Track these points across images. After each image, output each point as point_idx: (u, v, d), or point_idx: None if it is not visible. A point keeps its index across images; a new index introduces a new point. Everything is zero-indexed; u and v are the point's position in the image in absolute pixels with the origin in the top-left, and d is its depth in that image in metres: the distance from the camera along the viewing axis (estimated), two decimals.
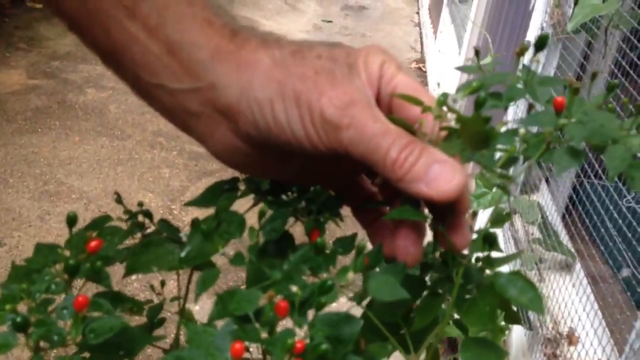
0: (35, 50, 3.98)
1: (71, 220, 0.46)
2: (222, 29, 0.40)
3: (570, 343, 1.37)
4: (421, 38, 5.36)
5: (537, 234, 1.63)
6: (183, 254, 0.44)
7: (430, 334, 0.43)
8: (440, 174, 0.37)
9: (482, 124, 0.37)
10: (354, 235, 0.45)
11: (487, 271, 0.43)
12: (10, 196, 2.70)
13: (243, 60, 0.39)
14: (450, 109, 0.39)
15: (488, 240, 0.53)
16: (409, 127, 0.39)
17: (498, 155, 0.40)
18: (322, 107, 0.37)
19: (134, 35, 0.39)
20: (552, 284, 1.50)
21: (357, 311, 0.41)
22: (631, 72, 1.34)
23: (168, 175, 2.93)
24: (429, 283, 0.45)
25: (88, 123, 3.31)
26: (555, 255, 1.57)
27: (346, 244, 0.44)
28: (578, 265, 1.54)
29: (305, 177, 0.46)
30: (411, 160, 0.37)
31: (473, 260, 0.43)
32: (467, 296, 0.41)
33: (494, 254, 0.45)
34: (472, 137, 0.38)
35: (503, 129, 0.40)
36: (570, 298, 1.42)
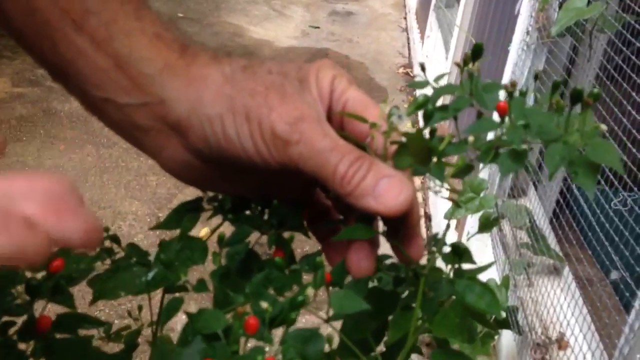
0: (20, 58, 3.95)
1: None
2: (172, 44, 0.39)
3: (560, 348, 1.36)
4: (408, 43, 5.38)
5: (526, 239, 1.63)
6: (149, 277, 0.43)
7: (403, 349, 0.43)
8: (388, 189, 0.37)
9: (424, 139, 0.38)
10: (319, 253, 0.45)
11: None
12: None
13: (193, 75, 0.39)
14: (391, 128, 0.39)
15: (457, 252, 0.54)
16: (359, 143, 0.39)
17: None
18: (272, 122, 0.37)
19: (81, 49, 0.38)
20: (541, 288, 1.50)
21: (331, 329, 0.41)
22: (616, 75, 1.34)
23: (155, 183, 2.91)
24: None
25: (73, 131, 3.29)
26: (544, 259, 1.57)
27: (312, 261, 0.44)
28: (567, 270, 1.53)
29: (259, 191, 0.46)
30: (359, 175, 0.37)
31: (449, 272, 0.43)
32: (440, 308, 0.41)
33: (470, 265, 0.45)
34: (416, 152, 0.38)
35: (454, 140, 0.40)
36: (559, 303, 1.41)
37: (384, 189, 0.37)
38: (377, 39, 5.48)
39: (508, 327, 1.53)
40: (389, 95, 4.25)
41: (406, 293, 0.45)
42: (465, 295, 0.40)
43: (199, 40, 4.76)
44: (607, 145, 0.37)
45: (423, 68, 0.58)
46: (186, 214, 0.47)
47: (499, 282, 1.57)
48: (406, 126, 0.39)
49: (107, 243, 0.55)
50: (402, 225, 0.41)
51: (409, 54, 5.13)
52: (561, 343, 1.36)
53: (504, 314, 1.55)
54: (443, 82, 0.47)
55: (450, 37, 3.43)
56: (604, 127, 0.38)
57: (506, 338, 1.61)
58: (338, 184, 0.37)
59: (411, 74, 4.64)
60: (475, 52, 0.43)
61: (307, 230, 0.47)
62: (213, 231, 0.50)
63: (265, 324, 0.38)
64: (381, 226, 0.42)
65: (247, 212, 0.47)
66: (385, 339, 0.46)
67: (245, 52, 4.69)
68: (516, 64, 1.76)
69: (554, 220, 1.65)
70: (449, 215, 1.73)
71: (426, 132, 0.40)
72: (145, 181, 2.95)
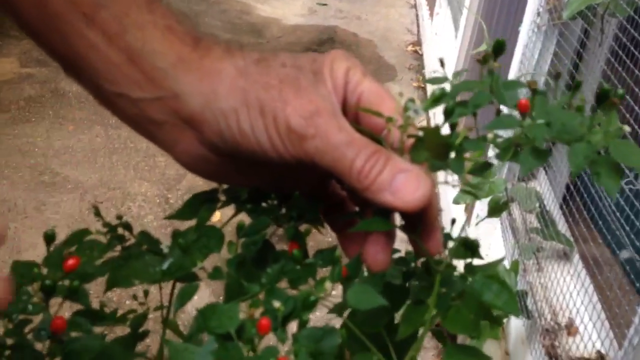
0: (28, 38, 3.93)
1: (49, 237, 0.45)
2: (185, 37, 0.39)
3: (569, 334, 1.36)
4: (417, 20, 5.32)
5: (535, 223, 1.62)
6: (165, 267, 0.43)
7: (414, 343, 0.43)
8: (405, 184, 0.37)
9: (441, 135, 0.38)
10: (335, 248, 0.45)
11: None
12: (5, 187, 2.68)
13: (206, 69, 0.38)
14: (407, 123, 0.39)
15: (469, 247, 0.54)
16: (375, 136, 0.39)
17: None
18: (287, 116, 0.37)
19: (93, 43, 0.38)
20: (550, 274, 1.50)
21: (339, 322, 0.41)
22: (627, 60, 1.32)
23: (164, 164, 2.92)
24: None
25: (82, 112, 3.29)
26: (554, 244, 1.57)
27: (326, 256, 0.43)
28: (577, 255, 1.53)
29: (274, 184, 0.46)
30: (376, 169, 0.37)
31: (459, 267, 0.43)
32: (453, 303, 0.41)
33: (479, 261, 0.45)
34: (433, 147, 0.38)
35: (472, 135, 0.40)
36: (568, 289, 1.41)
37: (401, 183, 0.37)
38: (385, 16, 5.42)
39: (517, 312, 1.53)
40: (398, 73, 4.22)
41: (416, 286, 0.45)
42: (482, 293, 0.40)
43: (206, 19, 4.73)
44: (631, 145, 0.37)
45: (442, 64, 0.57)
46: (202, 204, 0.47)
47: (508, 267, 1.57)
48: (422, 121, 0.39)
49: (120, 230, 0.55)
50: (420, 219, 0.41)
51: (418, 31, 5.08)
52: (570, 329, 1.36)
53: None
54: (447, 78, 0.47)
55: (459, 15, 3.38)
56: (627, 128, 0.38)
57: (515, 322, 1.61)
58: (355, 179, 0.37)
59: (420, 52, 4.60)
60: (497, 49, 0.43)
61: (323, 224, 0.47)
62: (228, 220, 0.50)
63: (278, 323, 0.38)
64: (398, 219, 0.42)
65: (264, 204, 0.47)
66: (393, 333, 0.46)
67: (253, 30, 4.67)
68: (526, 45, 1.74)
69: (564, 204, 1.64)
70: (457, 200, 1.74)
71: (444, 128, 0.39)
72: (154, 162, 2.95)
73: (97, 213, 0.59)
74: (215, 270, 0.43)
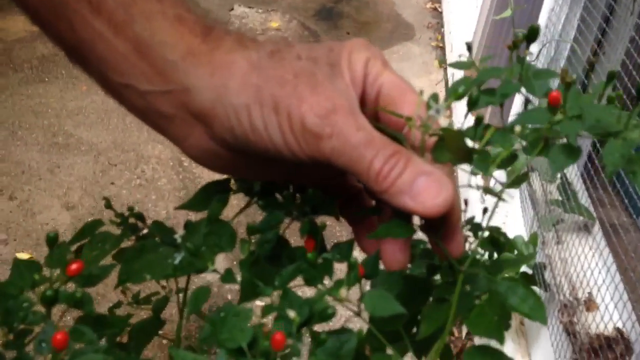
0: None
1: (51, 240, 0.43)
2: (194, 27, 0.37)
3: (588, 309, 1.34)
4: None
5: (556, 194, 1.58)
6: (177, 261, 0.42)
7: (437, 341, 0.41)
8: (426, 188, 0.35)
9: (462, 140, 0.36)
10: (352, 241, 0.44)
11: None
12: (19, 149, 2.67)
13: (217, 62, 0.37)
14: (426, 126, 0.37)
15: (494, 243, 0.51)
16: (395, 135, 0.37)
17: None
18: (302, 115, 0.35)
19: (99, 32, 0.36)
20: (570, 249, 1.46)
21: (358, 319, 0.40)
22: None
23: None
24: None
25: None
26: (575, 216, 1.53)
27: (344, 250, 0.42)
28: (598, 228, 1.49)
29: (288, 179, 0.45)
30: (396, 172, 0.35)
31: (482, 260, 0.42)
32: (476, 302, 0.40)
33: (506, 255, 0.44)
34: (455, 151, 0.37)
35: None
36: (588, 264, 1.38)
37: (422, 187, 0.35)
38: None
39: (535, 283, 1.50)
40: (416, 32, 4.13)
41: (439, 282, 0.44)
42: (508, 297, 0.38)
43: None
44: None
45: (469, 47, 0.55)
46: (214, 195, 0.46)
47: (526, 239, 1.54)
48: (444, 120, 0.37)
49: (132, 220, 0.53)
50: (442, 221, 0.39)
51: None
52: (589, 305, 1.34)
53: (530, 271, 1.53)
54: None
55: None
56: None
57: None
58: (373, 181, 0.36)
59: (439, 9, 4.49)
60: (530, 36, 0.41)
61: (338, 216, 0.45)
62: (239, 212, 0.49)
63: (293, 335, 0.36)
64: (418, 218, 0.40)
65: (277, 196, 0.45)
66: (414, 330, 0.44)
67: None
68: (552, 9, 1.67)
69: (585, 172, 1.60)
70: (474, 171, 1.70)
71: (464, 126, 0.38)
72: None
73: (108, 205, 0.57)
74: (227, 272, 0.42)
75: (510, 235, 1.57)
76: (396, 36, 4.02)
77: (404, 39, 4.01)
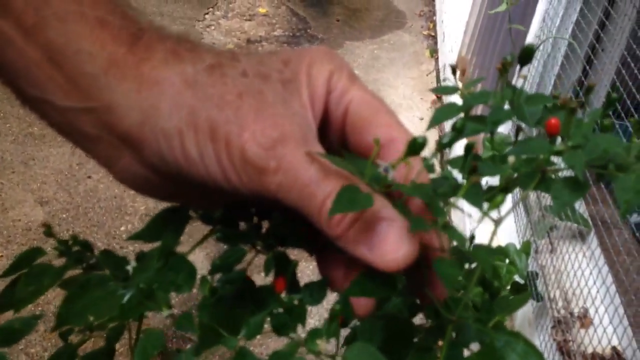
0: None
1: None
2: (119, 33, 0.32)
3: (582, 326, 1.26)
4: None
5: (550, 201, 1.51)
6: (125, 300, 0.37)
7: None
8: (385, 238, 0.31)
9: (435, 202, 0.32)
10: (324, 280, 0.38)
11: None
12: None
13: (146, 77, 0.31)
14: (384, 179, 0.32)
15: (486, 288, 0.49)
16: (357, 168, 0.32)
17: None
18: (243, 144, 0.31)
19: (8, 35, 0.31)
20: (565, 256, 1.39)
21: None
22: None
23: None
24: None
25: None
26: (569, 224, 1.46)
27: (315, 290, 0.38)
28: (593, 236, 1.42)
29: (236, 207, 0.39)
30: (352, 216, 0.31)
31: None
32: (466, 353, 0.35)
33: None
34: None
35: (488, 154, 0.36)
36: (582, 273, 1.31)
37: (381, 237, 0.30)
38: None
39: (527, 295, 1.43)
40: (408, 20, 4.04)
41: (423, 327, 0.39)
42: (505, 354, 0.33)
43: None
44: None
45: (454, 70, 0.49)
46: (168, 224, 0.40)
47: (518, 247, 1.46)
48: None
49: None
50: (424, 266, 0.33)
51: None
52: (584, 321, 1.26)
53: (522, 281, 1.46)
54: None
55: None
56: None
57: (523, 309, 1.52)
58: (325, 225, 0.31)
59: None
60: (523, 58, 0.36)
61: (311, 250, 0.39)
62: (196, 245, 0.42)
63: None
64: None
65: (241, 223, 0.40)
66: None
67: None
68: (547, 11, 1.59)
69: None
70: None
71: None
72: None
73: (48, 233, 0.51)
74: (183, 316, 0.37)
75: (502, 243, 1.50)
76: (387, 24, 3.93)
77: (395, 27, 3.92)
